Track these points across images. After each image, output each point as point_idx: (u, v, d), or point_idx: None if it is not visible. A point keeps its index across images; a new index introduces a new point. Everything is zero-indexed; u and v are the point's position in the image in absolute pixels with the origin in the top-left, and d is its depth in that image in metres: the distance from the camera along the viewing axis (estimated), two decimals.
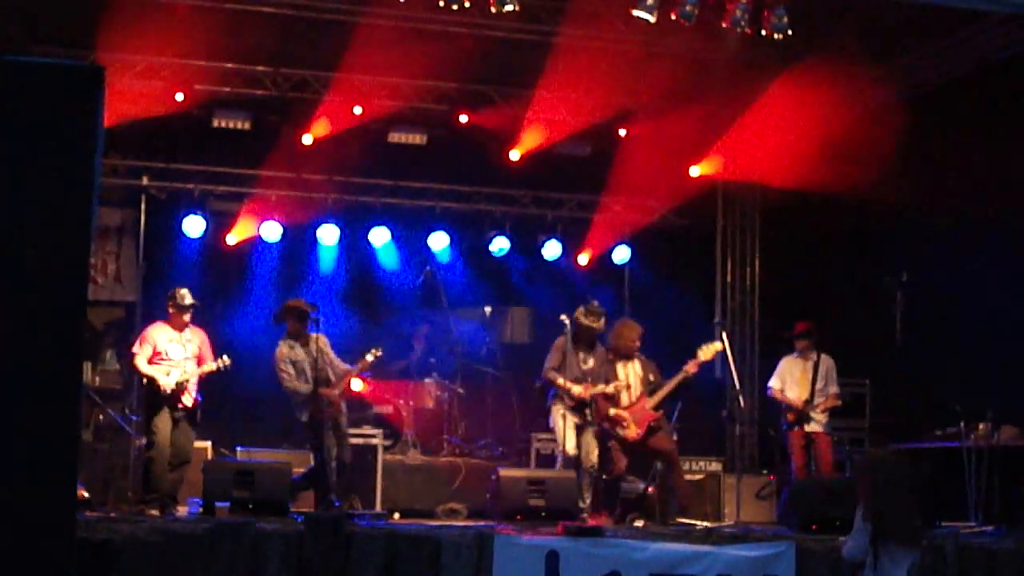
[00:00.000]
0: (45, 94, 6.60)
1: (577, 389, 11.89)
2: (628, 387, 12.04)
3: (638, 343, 12.21)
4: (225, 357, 11.75)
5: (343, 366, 12.23)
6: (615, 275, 16.07)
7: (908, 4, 11.95)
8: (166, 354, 11.60)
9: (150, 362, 11.56)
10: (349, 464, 12.21)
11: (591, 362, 12.11)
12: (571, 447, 11.85)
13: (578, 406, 11.93)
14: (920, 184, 13.15)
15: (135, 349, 11.70)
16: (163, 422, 11.45)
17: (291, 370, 12.00)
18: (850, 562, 7.85)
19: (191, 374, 11.59)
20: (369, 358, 12.12)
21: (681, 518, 11.83)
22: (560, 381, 11.95)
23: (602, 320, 12.15)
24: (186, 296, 11.70)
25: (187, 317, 11.71)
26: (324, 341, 12.13)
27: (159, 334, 11.71)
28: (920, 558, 8.12)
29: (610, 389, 11.93)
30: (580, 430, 11.92)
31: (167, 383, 11.42)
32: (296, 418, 12.13)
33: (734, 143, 14.89)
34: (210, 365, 11.72)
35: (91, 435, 12.62)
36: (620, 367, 12.13)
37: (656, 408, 11.96)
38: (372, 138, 15.00)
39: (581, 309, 12.17)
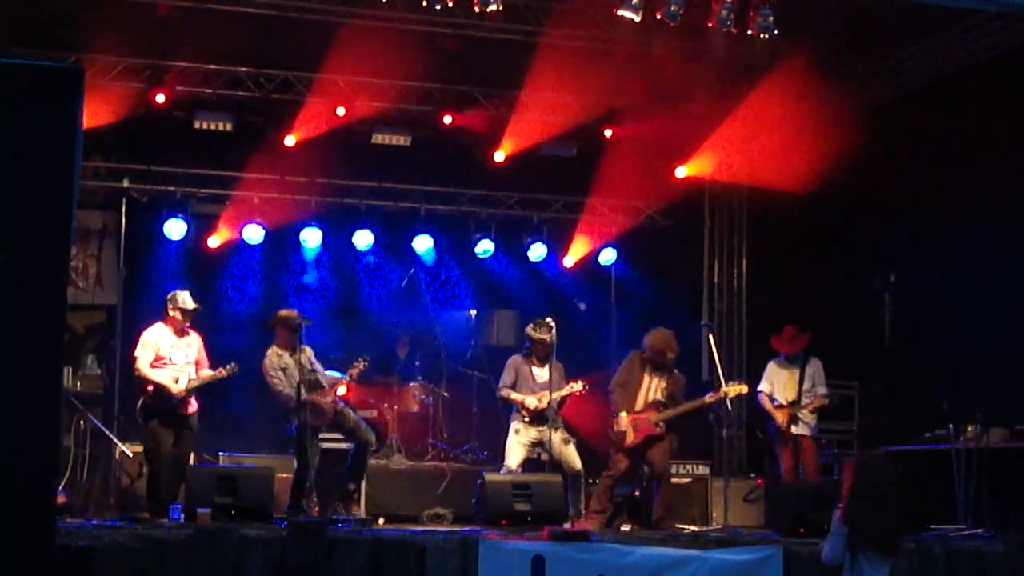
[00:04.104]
0: (24, 95, 6.51)
1: (531, 401, 12.03)
2: (647, 393, 11.97)
3: (668, 356, 12.06)
4: (233, 364, 11.54)
5: (330, 376, 12.07)
6: (601, 277, 15.99)
7: (895, 3, 11.92)
8: (169, 359, 11.38)
9: (152, 367, 11.31)
10: (337, 468, 12.10)
11: (545, 376, 12.16)
12: (513, 463, 11.99)
13: (536, 418, 12.00)
14: (908, 185, 13.12)
15: (138, 353, 11.38)
16: (164, 435, 11.26)
17: (282, 376, 11.73)
18: (829, 566, 7.80)
19: (198, 381, 11.43)
20: (354, 371, 11.94)
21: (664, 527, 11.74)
22: (514, 396, 12.13)
23: (552, 333, 12.14)
24: (188, 300, 11.48)
25: (188, 322, 11.51)
26: (310, 353, 11.98)
27: (161, 337, 11.46)
28: (900, 563, 8.08)
29: (564, 392, 12.04)
30: (547, 443, 11.91)
31: (178, 390, 11.25)
32: (282, 425, 11.94)
33: (721, 143, 14.81)
34: (218, 372, 11.52)
35: (71, 440, 12.47)
36: (646, 374, 12.07)
37: (658, 424, 11.91)
38: (355, 139, 14.90)
39: (531, 325, 12.33)
